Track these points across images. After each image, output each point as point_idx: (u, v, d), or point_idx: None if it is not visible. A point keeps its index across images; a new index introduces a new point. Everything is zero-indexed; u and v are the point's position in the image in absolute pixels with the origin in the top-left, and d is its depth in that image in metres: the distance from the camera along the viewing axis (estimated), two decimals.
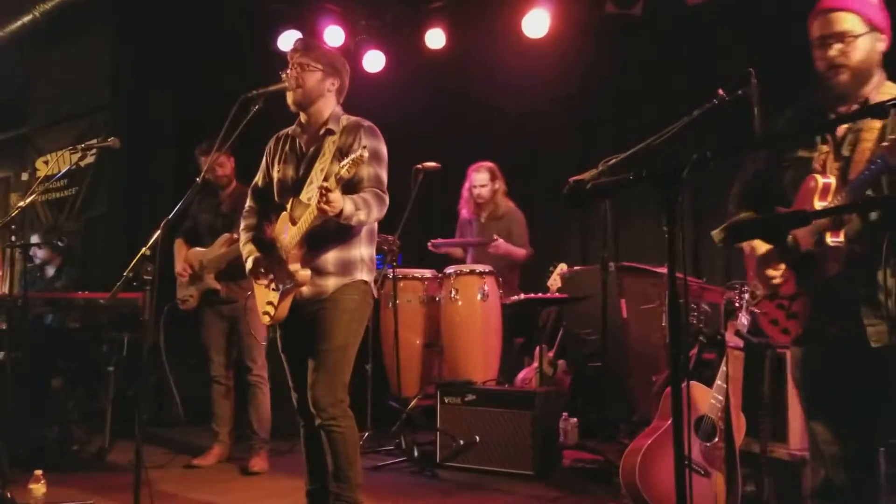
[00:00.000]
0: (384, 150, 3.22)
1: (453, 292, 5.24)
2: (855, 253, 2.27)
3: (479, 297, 5.20)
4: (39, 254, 6.22)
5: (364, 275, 3.19)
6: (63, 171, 7.02)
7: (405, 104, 7.03)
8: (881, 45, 2.41)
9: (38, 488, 3.55)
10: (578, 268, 5.75)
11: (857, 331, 2.30)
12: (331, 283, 3.11)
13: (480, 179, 5.77)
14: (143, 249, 2.89)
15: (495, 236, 5.56)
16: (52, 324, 5.39)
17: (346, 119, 3.23)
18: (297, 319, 3.14)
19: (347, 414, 3.11)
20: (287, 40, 6.88)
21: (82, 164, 7.23)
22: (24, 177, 8.39)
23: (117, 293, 3.00)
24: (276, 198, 3.28)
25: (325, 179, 2.98)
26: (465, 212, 5.93)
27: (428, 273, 5.59)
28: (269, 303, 3.14)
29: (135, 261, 2.88)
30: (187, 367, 5.33)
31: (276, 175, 3.29)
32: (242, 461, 4.81)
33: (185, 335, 5.01)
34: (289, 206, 3.12)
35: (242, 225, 3.39)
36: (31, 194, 4.18)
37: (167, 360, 4.88)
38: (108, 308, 5.07)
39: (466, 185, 5.86)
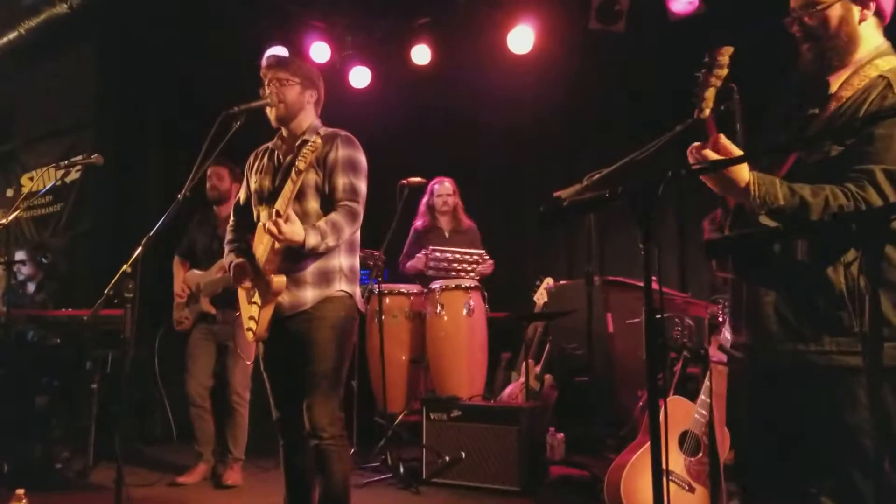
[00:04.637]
0: (362, 159, 3.18)
1: (439, 307, 5.24)
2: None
3: (464, 312, 5.20)
4: (24, 270, 6.19)
5: (344, 286, 3.12)
6: (47, 187, 6.99)
7: (391, 120, 7.05)
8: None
9: None
10: (564, 282, 5.78)
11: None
12: (309, 294, 3.05)
13: (446, 189, 5.86)
14: (124, 267, 2.88)
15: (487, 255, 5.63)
16: (33, 340, 5.35)
17: (323, 130, 3.21)
18: (282, 337, 3.09)
19: (345, 433, 3.08)
20: None
21: (67, 180, 7.22)
22: (10, 193, 8.34)
23: (98, 310, 2.98)
24: (252, 209, 3.27)
25: (299, 192, 2.99)
26: (420, 222, 5.93)
27: (414, 288, 5.58)
28: (251, 317, 3.08)
29: (115, 278, 2.86)
30: (177, 385, 5.30)
31: (253, 186, 3.28)
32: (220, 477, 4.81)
33: (177, 354, 4.99)
34: (264, 217, 3.12)
35: (226, 241, 3.36)
36: (14, 211, 4.16)
37: (160, 379, 4.85)
38: (91, 325, 5.04)
39: (425, 198, 5.93)
